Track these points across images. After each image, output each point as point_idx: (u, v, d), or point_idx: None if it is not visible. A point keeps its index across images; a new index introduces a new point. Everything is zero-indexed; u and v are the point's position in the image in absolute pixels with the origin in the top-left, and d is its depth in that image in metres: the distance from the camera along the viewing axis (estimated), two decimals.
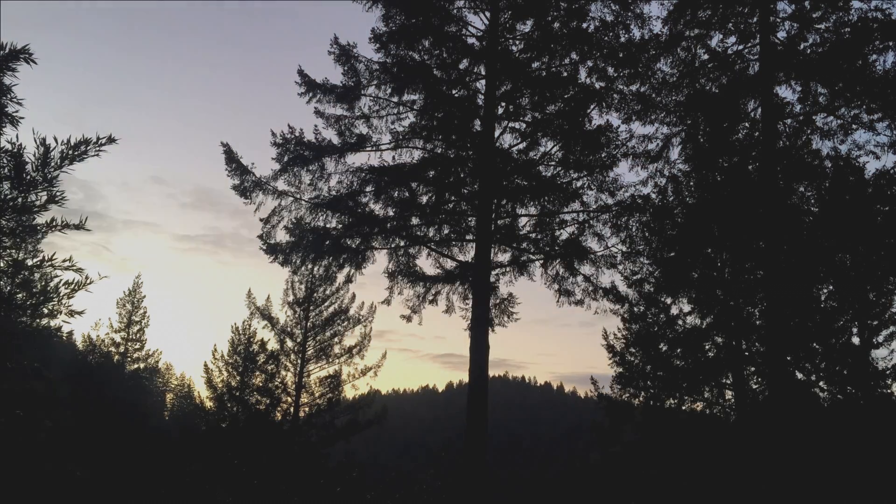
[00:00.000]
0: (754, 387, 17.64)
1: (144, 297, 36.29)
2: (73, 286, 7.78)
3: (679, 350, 17.79)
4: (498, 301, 15.86)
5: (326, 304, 25.01)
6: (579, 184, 15.22)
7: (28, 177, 6.31)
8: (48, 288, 8.21)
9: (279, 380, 24.72)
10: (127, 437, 27.01)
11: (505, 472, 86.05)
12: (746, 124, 15.38)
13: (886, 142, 14.45)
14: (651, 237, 16.02)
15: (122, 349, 35.13)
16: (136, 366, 35.77)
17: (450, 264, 15.92)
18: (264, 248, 15.01)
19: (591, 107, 14.83)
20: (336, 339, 24.93)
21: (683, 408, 18.87)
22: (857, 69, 13.95)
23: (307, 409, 24.78)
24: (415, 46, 14.94)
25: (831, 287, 17.49)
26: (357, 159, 15.35)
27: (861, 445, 14.28)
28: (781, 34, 15.02)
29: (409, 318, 16.21)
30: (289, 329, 24.77)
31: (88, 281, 7.71)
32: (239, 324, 25.94)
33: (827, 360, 17.09)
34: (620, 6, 14.60)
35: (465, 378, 14.88)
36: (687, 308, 18.28)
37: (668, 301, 17.99)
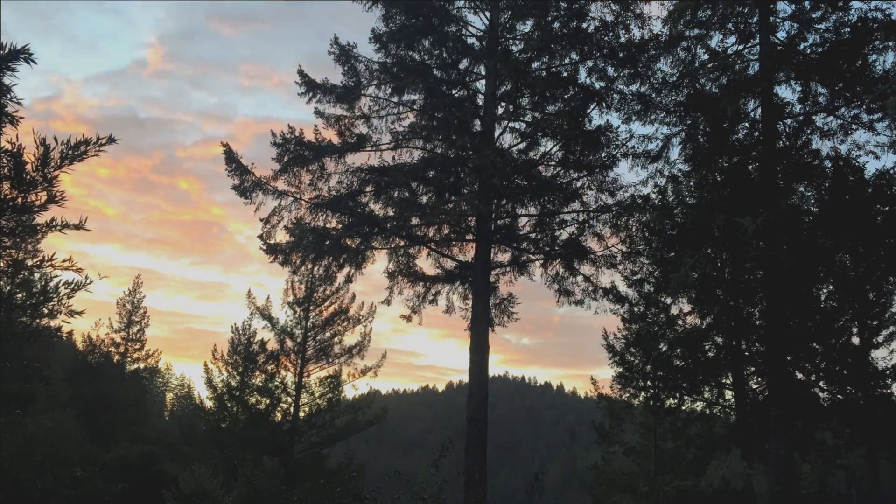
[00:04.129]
0: (754, 387, 17.66)
1: (144, 297, 36.36)
2: (72, 286, 7.78)
3: (679, 350, 17.81)
4: (498, 301, 15.87)
5: (326, 304, 25.00)
6: (579, 184, 15.25)
7: (28, 177, 6.31)
8: (48, 288, 8.20)
9: (279, 380, 24.72)
10: (127, 437, 26.99)
11: (505, 472, 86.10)
12: (746, 124, 15.37)
13: (886, 142, 14.43)
14: (651, 237, 16.02)
15: (122, 349, 35.14)
16: (136, 366, 35.79)
17: (450, 264, 15.93)
18: (264, 248, 15.00)
19: (591, 107, 14.83)
20: (336, 339, 24.92)
21: (683, 407, 18.89)
22: (857, 69, 13.92)
23: (307, 409, 24.78)
24: (415, 46, 14.93)
25: (831, 287, 17.50)
26: (357, 159, 15.33)
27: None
28: (781, 34, 15.00)
29: (409, 318, 16.23)
30: (289, 329, 24.75)
31: (88, 281, 7.71)
32: (239, 324, 25.95)
33: (827, 360, 17.10)
34: (620, 6, 14.59)
35: (465, 378, 14.89)
36: (687, 308, 18.30)
37: (668, 301, 18.02)
